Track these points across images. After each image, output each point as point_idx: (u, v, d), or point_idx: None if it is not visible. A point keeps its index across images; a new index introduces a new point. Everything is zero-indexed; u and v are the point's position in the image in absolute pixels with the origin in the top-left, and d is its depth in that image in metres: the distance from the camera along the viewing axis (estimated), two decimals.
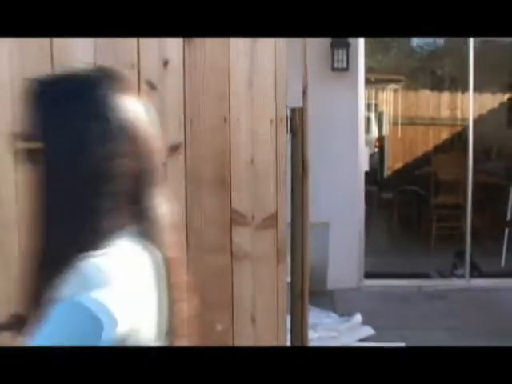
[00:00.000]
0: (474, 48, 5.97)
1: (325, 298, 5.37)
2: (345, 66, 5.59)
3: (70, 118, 1.08)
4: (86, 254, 1.04)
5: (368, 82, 8.02)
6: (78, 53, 2.34)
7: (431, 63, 9.05)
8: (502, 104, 8.34)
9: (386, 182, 8.96)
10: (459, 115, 7.83)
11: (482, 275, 6.06)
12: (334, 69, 5.59)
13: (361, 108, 5.76)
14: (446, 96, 8.74)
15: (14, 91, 2.35)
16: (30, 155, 1.11)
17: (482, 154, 8.07)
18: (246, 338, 2.34)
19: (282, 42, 2.34)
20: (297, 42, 2.49)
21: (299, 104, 2.56)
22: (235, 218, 2.31)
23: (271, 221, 2.30)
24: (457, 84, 7.46)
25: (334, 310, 5.16)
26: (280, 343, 2.34)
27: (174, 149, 2.32)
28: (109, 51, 2.34)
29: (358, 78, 5.73)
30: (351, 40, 5.53)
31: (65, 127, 1.08)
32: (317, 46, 5.27)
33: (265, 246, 2.31)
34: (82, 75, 1.13)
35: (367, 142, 8.45)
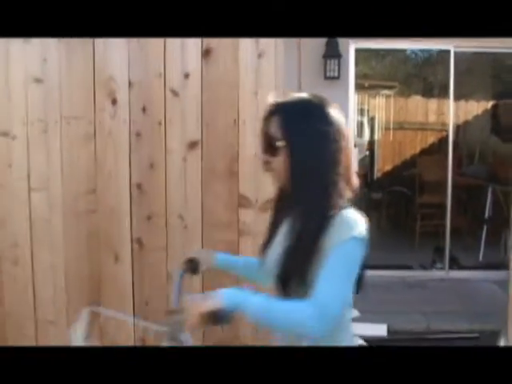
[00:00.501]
0: (455, 57, 6.42)
1: None
2: (336, 74, 6.04)
3: (312, 126, 1.64)
4: (340, 210, 1.62)
5: (362, 87, 8.46)
6: (116, 63, 2.85)
7: (423, 70, 9.40)
8: (485, 111, 8.78)
9: (375, 183, 9.39)
10: (444, 121, 8.28)
11: (460, 267, 6.56)
12: (326, 77, 6.03)
13: (351, 113, 6.25)
14: (433, 102, 9.14)
15: (62, 91, 2.86)
16: (273, 150, 1.67)
17: (465, 157, 8.57)
18: None
19: (281, 59, 2.84)
20: (293, 54, 2.99)
21: None
22: (242, 202, 2.82)
23: (270, 203, 2.80)
24: (445, 91, 7.90)
25: None
26: None
27: (192, 145, 2.83)
28: (141, 62, 2.85)
29: (349, 85, 6.21)
30: (342, 51, 6.01)
31: (308, 132, 1.64)
32: (311, 57, 5.73)
33: (266, 224, 2.81)
34: (311, 99, 1.69)
35: (359, 146, 8.89)
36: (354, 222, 1.62)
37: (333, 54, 6.00)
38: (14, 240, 2.96)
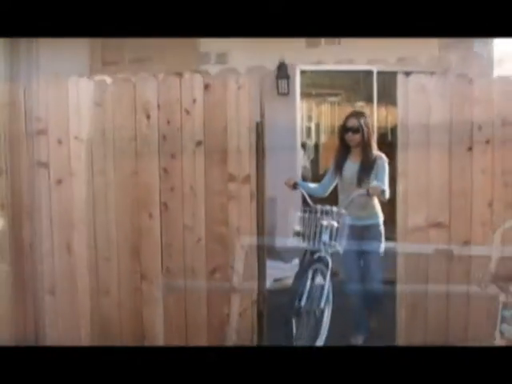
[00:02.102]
0: (377, 75, 8.30)
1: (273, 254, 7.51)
2: (286, 91, 7.76)
3: (368, 120, 5.04)
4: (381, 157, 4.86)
5: (310, 95, 10.10)
6: (149, 92, 4.46)
7: (362, 82, 11.01)
8: None
9: (320, 176, 11.07)
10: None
11: None
12: (279, 93, 7.74)
13: (298, 121, 8.00)
14: (369, 108, 10.90)
15: (113, 111, 4.49)
16: (355, 131, 4.91)
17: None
18: (230, 237, 4.49)
19: (252, 89, 4.46)
20: (255, 78, 4.59)
21: (259, 118, 4.69)
22: (230, 178, 4.48)
23: (248, 178, 4.45)
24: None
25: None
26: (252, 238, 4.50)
27: (198, 143, 4.46)
28: (165, 92, 4.46)
29: (296, 99, 7.95)
30: (290, 73, 7.73)
31: (368, 123, 4.99)
32: (267, 78, 7.45)
33: (245, 191, 4.47)
34: (364, 112, 5.19)
35: (308, 147, 10.60)
36: (384, 156, 4.82)
37: (283, 75, 7.71)
38: (82, 207, 4.56)
